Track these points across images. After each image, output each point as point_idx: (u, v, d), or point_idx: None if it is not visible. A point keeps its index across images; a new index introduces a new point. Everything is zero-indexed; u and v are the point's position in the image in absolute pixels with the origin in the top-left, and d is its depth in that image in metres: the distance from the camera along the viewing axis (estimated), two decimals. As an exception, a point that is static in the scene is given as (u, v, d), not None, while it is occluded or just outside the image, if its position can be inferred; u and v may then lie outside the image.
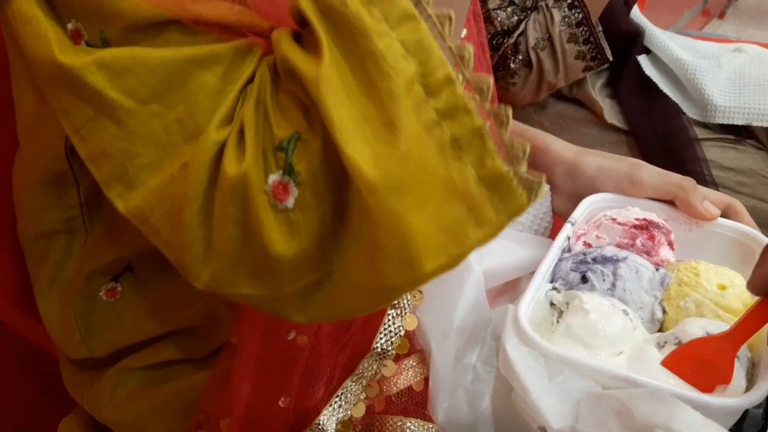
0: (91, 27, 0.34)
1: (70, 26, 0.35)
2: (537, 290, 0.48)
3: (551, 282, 0.51)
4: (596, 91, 1.07)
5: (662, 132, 1.02)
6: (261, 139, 0.32)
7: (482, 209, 0.29)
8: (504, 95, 1.01)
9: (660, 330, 0.49)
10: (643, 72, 1.06)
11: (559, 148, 0.64)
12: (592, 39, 0.94)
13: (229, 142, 0.32)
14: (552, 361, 0.42)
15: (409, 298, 0.48)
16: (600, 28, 1.02)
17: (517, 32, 0.95)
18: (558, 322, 0.47)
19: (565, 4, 0.93)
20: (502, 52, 0.96)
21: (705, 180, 0.99)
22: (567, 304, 0.47)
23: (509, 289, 0.57)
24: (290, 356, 0.45)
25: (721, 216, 0.57)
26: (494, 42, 0.97)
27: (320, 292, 0.34)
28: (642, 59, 1.08)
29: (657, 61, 1.09)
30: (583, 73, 0.99)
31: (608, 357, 0.44)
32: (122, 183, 0.34)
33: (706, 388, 0.41)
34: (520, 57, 0.95)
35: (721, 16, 3.50)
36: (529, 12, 0.97)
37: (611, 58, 0.98)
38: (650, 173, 0.58)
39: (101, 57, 0.33)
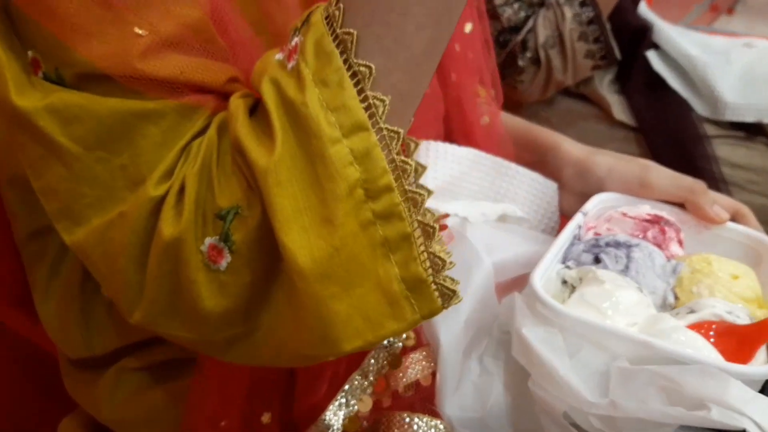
0: (48, 62, 0.35)
1: (30, 54, 0.36)
2: (550, 264, 0.48)
3: (563, 263, 0.50)
4: (604, 87, 1.05)
5: (671, 129, 1.01)
6: (202, 203, 0.34)
7: (401, 306, 0.33)
8: (511, 93, 1.00)
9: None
10: (652, 68, 1.05)
11: (570, 147, 0.64)
12: (602, 38, 0.93)
13: (167, 200, 0.34)
14: (570, 338, 0.41)
15: None
16: (609, 26, 1.00)
17: (526, 29, 0.94)
18: (570, 297, 0.46)
19: (577, 2, 0.92)
20: (510, 49, 0.95)
21: (714, 177, 0.98)
22: (580, 279, 0.47)
23: (516, 285, 0.56)
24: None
25: (730, 220, 0.56)
26: (501, 39, 0.96)
27: (248, 343, 0.37)
28: (651, 55, 1.06)
29: (666, 57, 1.07)
30: (592, 71, 0.98)
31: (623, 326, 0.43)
32: (68, 218, 0.37)
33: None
34: (529, 54, 0.94)
35: (730, 11, 3.48)
36: (536, 8, 0.95)
37: (620, 58, 0.96)
38: (660, 176, 0.57)
39: (52, 103, 0.35)
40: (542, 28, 0.93)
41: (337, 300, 0.32)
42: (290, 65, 0.33)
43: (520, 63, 0.95)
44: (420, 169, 0.34)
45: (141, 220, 0.34)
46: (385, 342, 0.46)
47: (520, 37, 0.94)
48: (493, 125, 0.63)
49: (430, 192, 0.34)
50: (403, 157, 0.32)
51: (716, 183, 0.98)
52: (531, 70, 0.96)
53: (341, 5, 0.32)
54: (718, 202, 0.57)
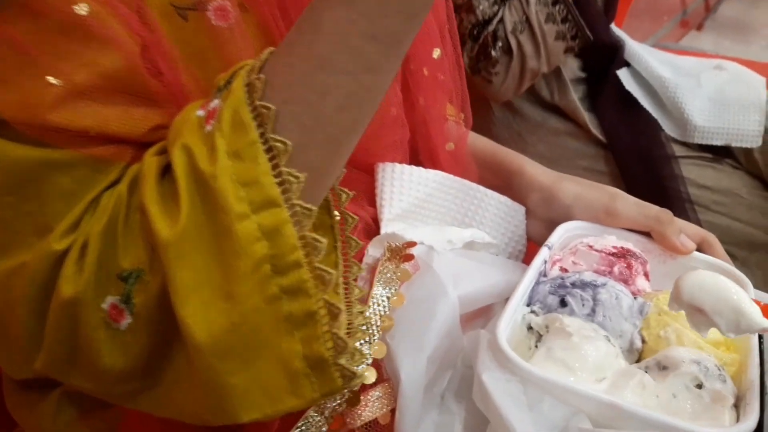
0: None
1: None
2: (514, 312, 0.46)
3: (528, 305, 0.49)
4: (578, 102, 1.05)
5: (641, 148, 1.01)
6: (105, 262, 0.33)
7: (301, 384, 0.33)
8: (487, 90, 0.99)
9: (639, 360, 0.47)
10: (623, 86, 1.05)
11: (536, 172, 0.63)
12: (570, 17, 0.92)
13: (70, 255, 0.33)
14: (532, 388, 0.39)
15: (378, 323, 0.46)
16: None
17: (496, 19, 0.92)
18: (536, 346, 0.45)
19: None
20: (482, 41, 0.93)
21: (681, 197, 0.99)
22: (547, 327, 0.45)
23: (481, 314, 0.55)
24: None
25: (696, 249, 0.56)
26: (475, 32, 0.95)
27: (149, 396, 0.36)
28: (622, 73, 1.07)
29: (637, 76, 1.08)
30: (565, 54, 0.97)
31: (591, 383, 0.42)
32: None
33: None
34: (500, 44, 0.93)
35: (700, 27, 3.54)
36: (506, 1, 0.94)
37: (592, 37, 0.96)
38: (627, 205, 0.57)
39: None
40: (509, 15, 0.92)
41: (234, 374, 0.31)
42: (207, 128, 0.32)
43: (493, 54, 0.94)
44: (320, 246, 0.33)
45: (41, 273, 0.34)
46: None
47: (491, 28, 0.93)
48: (459, 150, 0.61)
49: (339, 273, 0.34)
50: (315, 235, 0.32)
51: (683, 203, 0.99)
52: (504, 60, 0.94)
53: (263, 76, 0.32)
54: (684, 231, 0.57)
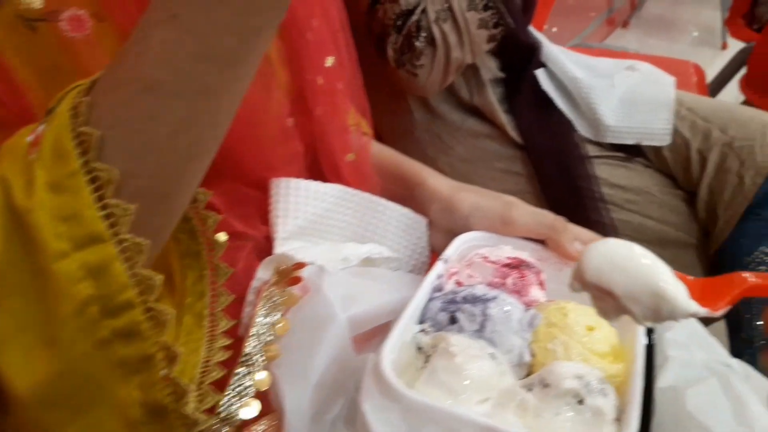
0: None
1: None
2: (402, 333, 0.45)
3: (421, 323, 0.48)
4: (495, 103, 1.05)
5: (555, 148, 1.02)
6: None
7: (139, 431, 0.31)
8: (412, 84, 0.97)
9: (529, 374, 0.47)
10: (539, 87, 1.06)
11: (436, 183, 0.62)
12: (491, 4, 0.92)
13: None
14: (412, 416, 0.38)
15: (261, 353, 0.44)
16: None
17: (419, 9, 0.91)
18: (425, 367, 0.43)
19: None
20: (406, 32, 0.92)
21: (595, 197, 1.00)
22: (434, 347, 0.44)
23: (381, 332, 0.54)
24: None
25: None
26: (398, 23, 0.93)
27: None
28: (539, 73, 1.07)
29: (553, 77, 1.09)
30: (488, 44, 0.96)
31: (474, 404, 0.41)
32: None
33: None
34: (424, 34, 0.91)
35: (625, 25, 3.64)
36: None
37: (513, 25, 0.96)
38: (522, 213, 0.57)
39: None
40: (431, 4, 0.90)
41: (64, 425, 0.29)
42: (31, 157, 0.30)
43: (417, 44, 0.92)
44: (155, 284, 0.31)
45: None
46: (223, 413, 0.42)
47: (414, 17, 0.91)
48: (360, 161, 0.60)
49: (205, 303, 0.33)
50: (149, 272, 0.30)
51: (596, 202, 1.01)
52: (428, 51, 0.93)
53: (89, 98, 0.29)
54: (579, 238, 0.57)
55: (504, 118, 1.04)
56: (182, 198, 0.34)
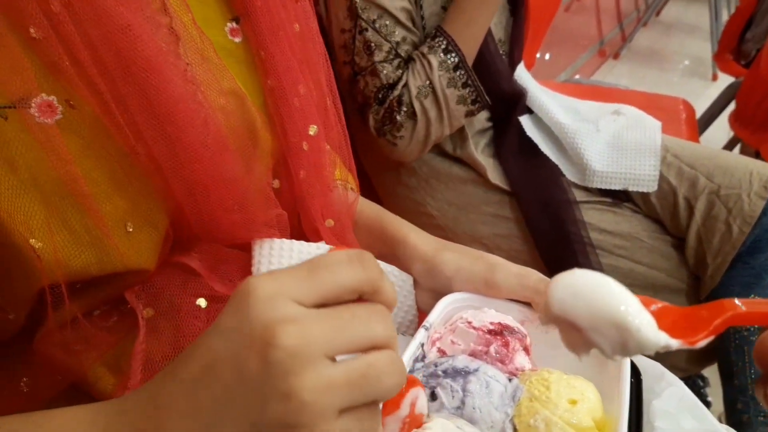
0: None
1: None
2: None
3: None
4: (479, 151, 1.06)
5: (543, 194, 1.03)
6: None
7: None
8: (392, 152, 0.99)
9: (512, 448, 0.46)
10: (525, 133, 1.07)
11: (418, 242, 0.62)
12: (470, 82, 0.94)
13: None
14: None
15: None
16: (483, 89, 1.01)
17: (401, 84, 0.93)
18: None
19: (440, 50, 0.92)
20: (388, 105, 0.94)
21: (583, 242, 1.00)
22: None
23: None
24: None
25: None
26: (380, 95, 0.95)
27: None
28: (524, 120, 1.08)
29: (539, 122, 1.10)
30: (466, 118, 0.98)
31: None
32: None
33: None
34: (405, 109, 0.93)
35: (616, 57, 3.68)
36: (410, 64, 0.95)
37: (490, 102, 0.97)
38: (506, 276, 0.56)
39: None
40: (413, 80, 0.93)
41: None
42: None
43: (398, 118, 0.94)
44: None
45: None
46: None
47: (396, 93, 0.93)
48: (342, 225, 0.60)
49: None
50: None
51: (585, 247, 1.01)
52: (409, 124, 0.95)
53: None
54: None
55: (489, 165, 1.05)
56: None
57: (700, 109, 2.10)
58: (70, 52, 0.36)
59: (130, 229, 0.42)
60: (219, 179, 0.45)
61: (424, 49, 0.93)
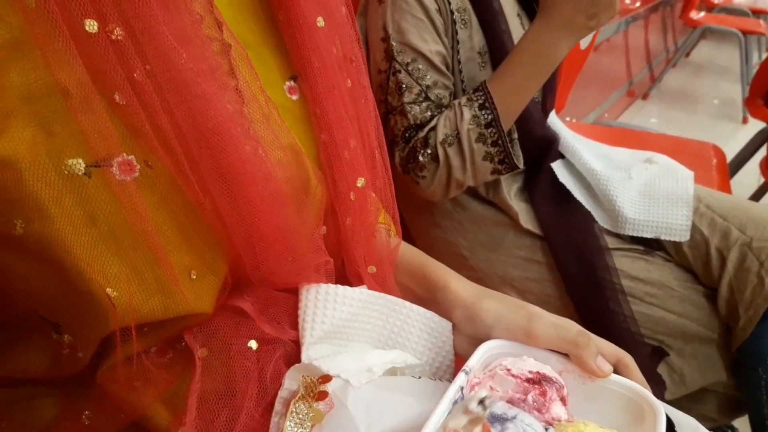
0: None
1: None
2: None
3: None
4: (512, 195, 1.08)
5: (574, 239, 1.04)
6: None
7: None
8: (416, 190, 1.01)
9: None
10: (558, 178, 1.09)
11: (459, 288, 0.63)
12: (500, 142, 0.95)
13: None
14: None
15: None
16: (515, 135, 1.04)
17: (428, 127, 0.96)
18: None
19: (477, 104, 0.95)
20: (413, 144, 0.97)
21: (615, 288, 1.01)
22: None
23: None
24: None
25: (614, 368, 0.57)
26: (407, 135, 0.98)
27: None
28: (556, 166, 1.10)
29: (571, 168, 1.12)
30: (492, 175, 1.00)
31: None
32: None
33: None
34: (429, 151, 0.96)
35: (645, 97, 3.71)
36: (442, 109, 0.98)
37: (521, 166, 0.99)
38: (545, 327, 0.58)
39: None
40: (442, 126, 0.95)
41: None
42: None
43: (421, 159, 0.97)
44: None
45: None
46: None
47: (422, 134, 0.96)
48: (384, 273, 0.62)
49: None
50: None
51: (616, 294, 1.02)
52: (431, 166, 0.97)
53: None
54: (602, 351, 0.58)
55: (521, 210, 1.07)
56: None
57: (731, 151, 2.10)
58: (150, 117, 0.40)
59: (194, 277, 0.45)
60: (275, 229, 0.48)
61: (463, 100, 0.96)
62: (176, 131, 0.41)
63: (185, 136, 0.41)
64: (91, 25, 0.37)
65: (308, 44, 0.51)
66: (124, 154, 0.40)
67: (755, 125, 2.39)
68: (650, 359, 1.01)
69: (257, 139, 0.46)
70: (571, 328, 0.58)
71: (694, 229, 1.02)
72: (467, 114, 0.94)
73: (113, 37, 0.37)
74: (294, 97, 0.52)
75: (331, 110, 0.53)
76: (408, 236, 1.23)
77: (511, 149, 0.96)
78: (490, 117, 0.95)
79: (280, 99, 0.51)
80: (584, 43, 1.56)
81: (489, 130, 0.95)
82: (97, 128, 0.38)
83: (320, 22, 0.51)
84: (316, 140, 0.54)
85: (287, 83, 0.51)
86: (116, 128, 0.39)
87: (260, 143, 0.46)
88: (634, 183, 1.08)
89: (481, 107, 0.95)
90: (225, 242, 0.46)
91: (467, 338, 0.62)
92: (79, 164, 0.38)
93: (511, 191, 1.08)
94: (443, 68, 0.99)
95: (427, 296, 0.66)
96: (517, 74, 0.94)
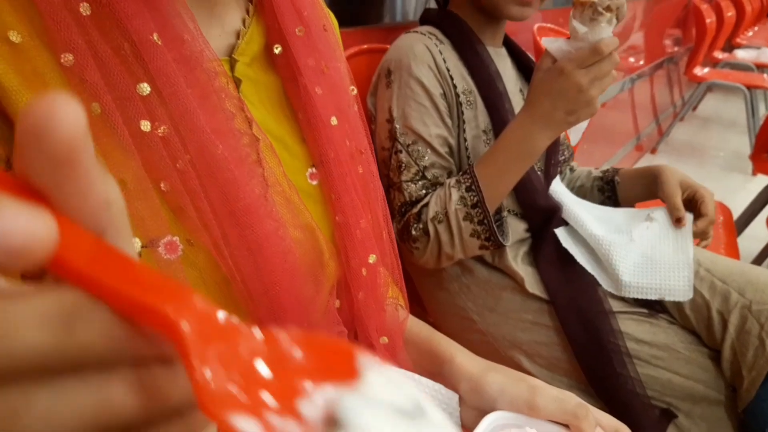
0: None
1: None
2: None
3: None
4: (518, 260, 1.12)
5: (579, 303, 1.07)
6: None
7: None
8: (412, 258, 1.07)
9: None
10: (562, 244, 1.13)
11: (465, 362, 0.67)
12: (485, 221, 1.00)
13: None
14: None
15: None
16: (505, 213, 1.10)
17: (422, 203, 1.02)
18: None
19: (464, 186, 1.00)
20: (407, 218, 1.03)
21: (620, 351, 1.04)
22: None
23: None
24: None
25: None
26: (403, 209, 1.05)
27: None
28: (560, 232, 1.15)
29: (575, 234, 1.16)
30: (480, 250, 1.05)
31: None
32: None
33: None
34: (421, 226, 1.02)
35: (654, 151, 3.75)
36: (436, 187, 1.04)
37: (507, 244, 1.04)
38: (546, 400, 0.61)
39: None
40: (433, 204, 1.01)
41: None
42: None
43: (413, 232, 1.03)
44: None
45: None
46: None
47: (415, 210, 1.02)
48: (394, 342, 0.66)
49: None
50: None
51: (622, 357, 1.04)
52: (423, 240, 1.03)
53: None
54: (600, 423, 0.61)
55: (528, 272, 1.11)
56: None
57: (741, 203, 2.13)
58: (193, 201, 0.45)
59: None
60: (294, 300, 0.53)
61: (452, 181, 1.02)
62: (213, 212, 0.46)
63: (219, 216, 0.47)
64: (145, 125, 0.43)
65: (324, 139, 0.57)
66: (170, 236, 0.45)
67: (764, 179, 2.42)
68: (659, 421, 1.02)
69: (278, 218, 0.51)
70: (570, 400, 0.62)
71: (696, 292, 1.05)
72: (455, 195, 1.00)
73: (159, 133, 0.43)
74: (314, 183, 0.58)
75: (345, 194, 0.59)
76: (417, 299, 1.27)
77: (496, 228, 1.01)
78: (476, 198, 1.00)
79: (303, 184, 0.57)
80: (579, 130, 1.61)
81: (475, 210, 1.00)
82: (151, 212, 0.44)
83: (334, 120, 0.58)
84: (331, 221, 0.59)
85: (309, 170, 0.58)
86: (165, 212, 0.45)
87: (281, 222, 0.51)
88: (636, 245, 1.12)
89: (468, 189, 1.00)
90: (252, 313, 0.51)
91: (472, 410, 0.66)
92: (136, 245, 0.43)
93: (517, 257, 1.12)
94: (442, 150, 1.06)
95: (435, 369, 0.69)
96: (501, 160, 0.99)
